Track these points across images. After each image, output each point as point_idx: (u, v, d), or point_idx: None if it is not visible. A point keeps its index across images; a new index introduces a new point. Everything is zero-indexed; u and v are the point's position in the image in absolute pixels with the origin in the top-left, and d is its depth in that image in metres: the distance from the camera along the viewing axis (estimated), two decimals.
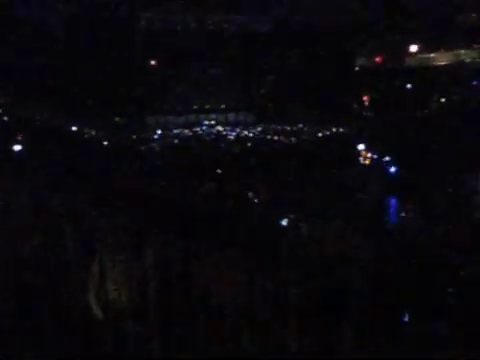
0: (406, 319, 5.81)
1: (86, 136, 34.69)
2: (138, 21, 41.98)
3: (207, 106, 48.93)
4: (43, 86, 33.05)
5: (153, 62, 44.50)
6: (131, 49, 39.62)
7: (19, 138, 23.78)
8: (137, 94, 41.64)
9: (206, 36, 42.70)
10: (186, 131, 43.76)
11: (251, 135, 40.80)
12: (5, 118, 30.24)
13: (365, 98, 40.05)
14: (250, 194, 13.76)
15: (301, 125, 40.36)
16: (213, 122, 47.50)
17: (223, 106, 49.02)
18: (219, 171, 18.69)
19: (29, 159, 19.11)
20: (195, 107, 48.65)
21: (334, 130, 36.51)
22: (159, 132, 41.89)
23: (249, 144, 33.88)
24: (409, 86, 36.87)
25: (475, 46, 35.77)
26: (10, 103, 31.78)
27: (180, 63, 43.62)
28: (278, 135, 39.10)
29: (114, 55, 38.25)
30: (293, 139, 35.57)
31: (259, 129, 43.54)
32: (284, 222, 10.39)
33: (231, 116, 49.15)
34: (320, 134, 36.46)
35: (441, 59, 37.75)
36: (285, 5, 40.44)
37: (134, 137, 36.88)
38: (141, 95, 42.54)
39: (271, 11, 42.96)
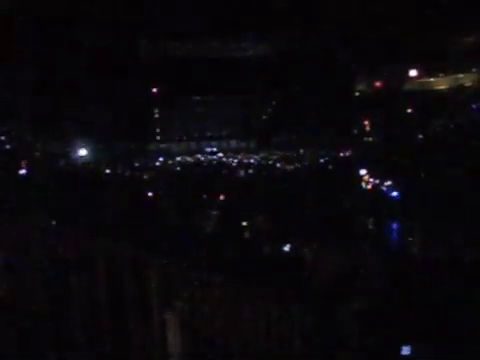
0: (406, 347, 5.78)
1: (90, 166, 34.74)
2: (140, 49, 42.45)
3: (208, 133, 49.20)
4: (45, 113, 33.27)
5: (154, 90, 44.85)
6: (132, 77, 39.91)
7: (23, 165, 23.85)
8: (139, 122, 41.91)
9: (207, 64, 43.03)
10: (188, 158, 43.93)
11: (253, 161, 40.91)
12: (7, 146, 30.46)
13: (366, 123, 40.23)
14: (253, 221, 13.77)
15: (302, 151, 40.49)
16: (215, 149, 47.68)
17: (224, 133, 49.27)
18: (222, 198, 18.70)
19: (31, 188, 19.11)
20: (196, 135, 48.91)
21: (335, 155, 36.60)
22: (161, 159, 42.06)
23: (251, 171, 33.94)
24: (409, 111, 37.06)
25: (474, 70, 36.02)
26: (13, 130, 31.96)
27: (181, 91, 43.93)
28: (280, 161, 39.20)
29: (115, 83, 38.54)
30: (295, 165, 35.61)
31: (261, 155, 43.68)
32: (286, 248, 10.39)
33: (233, 143, 49.36)
34: (322, 160, 36.54)
35: (441, 83, 38.02)
36: (284, 33, 40.77)
37: (136, 165, 37.00)
38: (143, 122, 42.81)
39: (271, 39, 43.39)
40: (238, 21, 39.10)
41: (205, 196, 19.64)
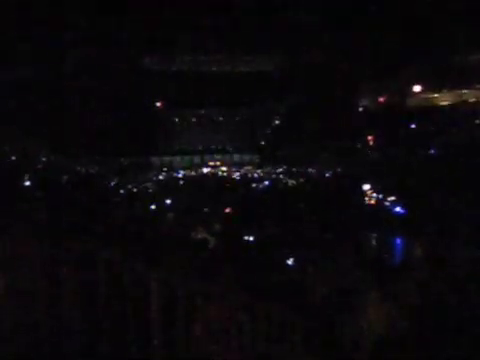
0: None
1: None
2: (143, 65, 42.60)
3: (212, 147, 49.26)
4: (49, 128, 33.38)
5: (158, 104, 44.98)
6: (137, 92, 40.05)
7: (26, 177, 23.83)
8: (142, 135, 41.96)
9: (211, 78, 43.17)
10: (192, 172, 43.82)
11: (256, 176, 40.84)
12: (13, 158, 30.49)
13: (369, 138, 40.13)
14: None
15: (306, 166, 40.34)
16: (218, 163, 47.68)
17: (228, 147, 49.34)
18: (227, 211, 18.64)
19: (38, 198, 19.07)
20: (200, 148, 48.98)
21: (339, 170, 36.43)
22: (164, 172, 42.05)
23: (254, 185, 33.84)
24: (413, 126, 36.93)
25: (477, 86, 35.92)
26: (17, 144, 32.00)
27: (185, 105, 44.05)
28: (283, 175, 39.09)
29: (119, 98, 38.70)
30: (298, 180, 35.44)
31: (264, 170, 43.57)
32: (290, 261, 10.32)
33: (236, 157, 49.39)
34: (327, 174, 36.37)
35: (444, 99, 37.93)
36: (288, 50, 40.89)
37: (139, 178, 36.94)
38: (146, 136, 42.86)
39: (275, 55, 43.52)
40: (242, 36, 39.22)
41: (206, 209, 19.61)
